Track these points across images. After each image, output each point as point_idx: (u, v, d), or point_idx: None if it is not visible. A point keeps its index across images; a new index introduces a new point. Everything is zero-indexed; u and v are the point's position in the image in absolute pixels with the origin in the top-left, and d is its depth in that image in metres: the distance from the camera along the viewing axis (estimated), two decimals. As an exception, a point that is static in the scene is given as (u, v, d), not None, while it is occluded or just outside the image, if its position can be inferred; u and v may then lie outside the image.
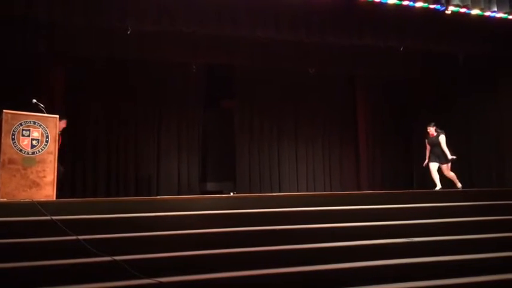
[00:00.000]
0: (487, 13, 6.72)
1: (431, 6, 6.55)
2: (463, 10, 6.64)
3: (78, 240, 3.71)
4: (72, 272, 3.52)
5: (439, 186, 7.26)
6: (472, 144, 8.43)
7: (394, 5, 6.54)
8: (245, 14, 6.46)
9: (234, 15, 6.44)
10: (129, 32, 6.23)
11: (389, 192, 6.30)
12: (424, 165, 7.55)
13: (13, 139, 4.64)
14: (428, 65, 8.80)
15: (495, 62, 7.88)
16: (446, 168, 7.34)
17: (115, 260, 3.56)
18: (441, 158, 7.31)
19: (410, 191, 7.56)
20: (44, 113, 4.99)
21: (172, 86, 8.55)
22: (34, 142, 4.74)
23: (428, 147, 7.47)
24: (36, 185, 4.67)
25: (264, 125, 9.06)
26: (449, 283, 3.90)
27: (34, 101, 5.09)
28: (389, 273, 3.97)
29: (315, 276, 3.83)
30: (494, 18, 6.83)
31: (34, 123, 4.78)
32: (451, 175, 7.40)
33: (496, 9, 6.66)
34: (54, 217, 3.90)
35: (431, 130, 7.46)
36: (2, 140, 4.60)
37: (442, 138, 7.31)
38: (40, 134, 4.79)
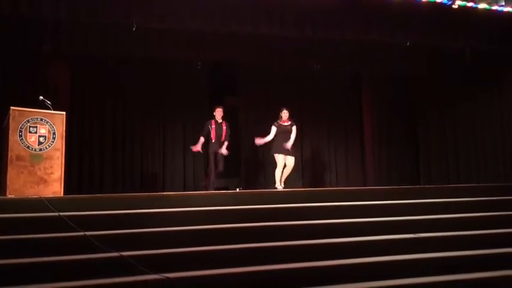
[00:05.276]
0: (494, 7, 6.67)
1: (438, 0, 6.50)
2: (469, 4, 6.58)
3: (85, 236, 3.73)
4: (79, 267, 3.54)
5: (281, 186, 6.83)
6: (478, 141, 8.37)
7: (400, -1, 6.51)
8: (249, 10, 6.45)
9: (238, 12, 6.43)
10: (134, 29, 6.24)
11: (395, 187, 6.29)
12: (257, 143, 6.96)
13: (20, 136, 4.68)
14: (434, 62, 8.74)
15: (501, 58, 7.81)
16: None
17: (122, 256, 3.57)
18: (290, 150, 6.88)
19: (416, 186, 7.53)
20: (51, 110, 5.02)
21: (177, 83, 8.57)
22: (41, 139, 4.77)
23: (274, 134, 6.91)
24: (43, 181, 4.70)
25: (268, 121, 9.03)
26: (455, 279, 3.88)
27: (41, 98, 5.11)
28: (395, 268, 3.96)
29: (321, 271, 3.83)
30: (501, 12, 6.76)
31: (41, 120, 4.81)
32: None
33: (503, 3, 6.60)
34: (61, 213, 3.93)
35: (287, 115, 6.98)
36: (10, 137, 4.64)
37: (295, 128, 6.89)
38: (47, 130, 4.82)
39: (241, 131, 8.87)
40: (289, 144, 6.93)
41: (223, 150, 6.98)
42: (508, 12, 6.78)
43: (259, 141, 7.05)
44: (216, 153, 7.01)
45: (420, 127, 9.57)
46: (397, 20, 6.89)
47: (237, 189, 7.38)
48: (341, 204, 4.99)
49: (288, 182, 7.24)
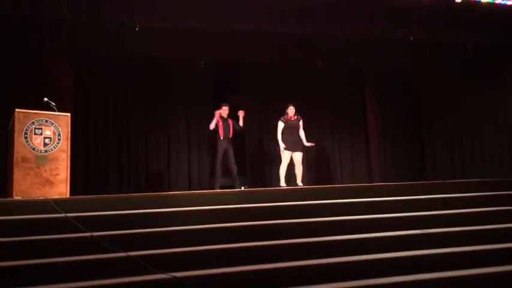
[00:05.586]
0: (498, 0, 6.63)
1: (440, -6, 6.48)
2: (472, -3, 6.56)
3: (92, 236, 3.74)
4: (86, 268, 3.55)
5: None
6: (483, 136, 8.32)
7: (403, -6, 6.48)
8: (251, 7, 6.44)
9: (240, 9, 6.42)
10: (137, 29, 6.25)
11: (401, 184, 6.27)
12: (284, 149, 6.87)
13: (26, 138, 4.70)
14: (437, 57, 8.69)
15: (504, 51, 7.75)
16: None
17: (129, 256, 3.58)
18: (298, 145, 6.90)
19: (422, 182, 7.50)
20: (56, 111, 5.03)
21: (180, 81, 8.57)
22: (47, 140, 4.79)
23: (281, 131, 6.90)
24: (49, 183, 4.73)
25: (272, 119, 9.02)
26: (462, 274, 3.87)
27: (45, 99, 5.13)
28: (402, 265, 3.95)
29: (327, 269, 3.83)
30: (504, 5, 6.73)
31: (46, 121, 4.83)
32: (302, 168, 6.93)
33: (506, -3, 6.57)
34: (68, 214, 3.94)
35: (293, 110, 6.97)
36: (15, 139, 4.67)
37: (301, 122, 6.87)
38: (52, 132, 4.84)
39: (245, 129, 8.85)
40: (307, 143, 6.98)
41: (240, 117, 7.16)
42: (511, 6, 6.74)
43: (281, 146, 7.00)
44: (226, 151, 7.02)
45: (424, 123, 9.52)
46: (399, 14, 6.85)
47: (242, 188, 7.38)
48: (346, 201, 4.98)
49: (291, 180, 7.23)
